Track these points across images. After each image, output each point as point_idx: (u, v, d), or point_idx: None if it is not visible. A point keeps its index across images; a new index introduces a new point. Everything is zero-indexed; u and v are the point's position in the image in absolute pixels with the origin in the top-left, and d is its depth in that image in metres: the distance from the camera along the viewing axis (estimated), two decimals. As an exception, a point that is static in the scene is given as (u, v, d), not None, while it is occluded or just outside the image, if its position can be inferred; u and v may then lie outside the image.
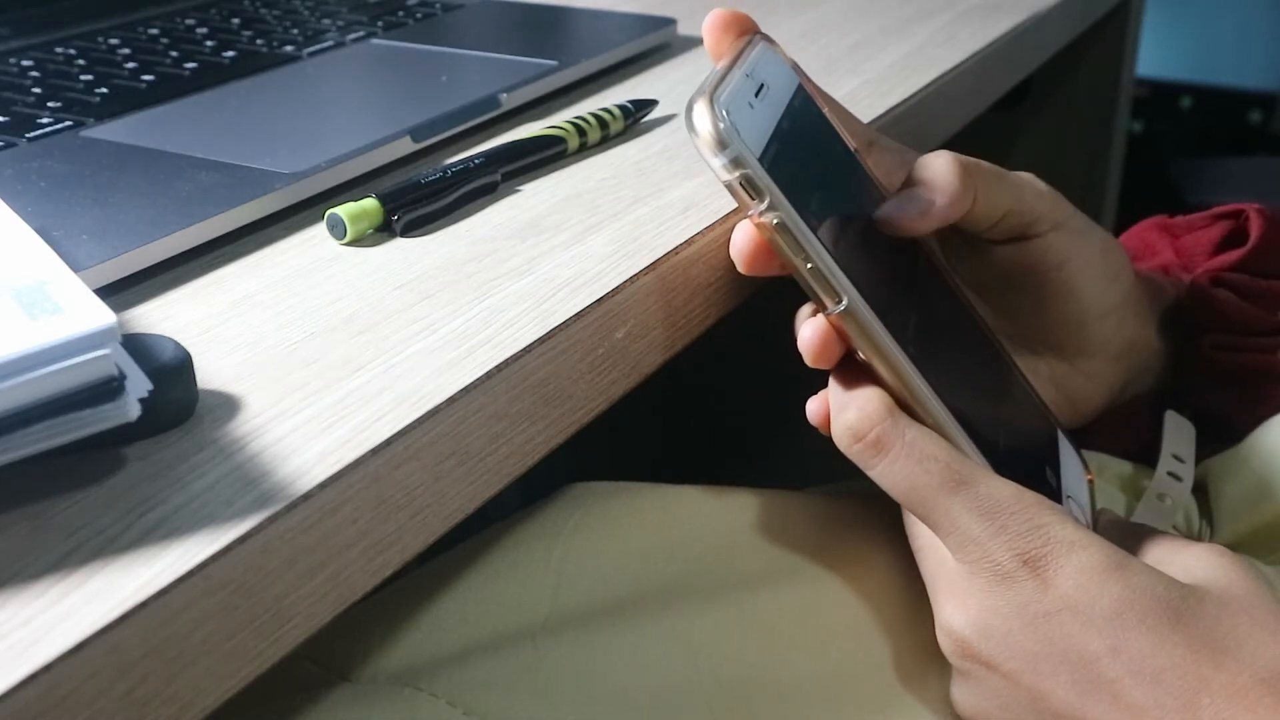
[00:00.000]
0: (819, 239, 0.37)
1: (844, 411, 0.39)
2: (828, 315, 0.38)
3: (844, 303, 0.38)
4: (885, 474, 0.39)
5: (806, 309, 0.42)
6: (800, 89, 0.42)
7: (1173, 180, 1.61)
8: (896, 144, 0.49)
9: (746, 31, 0.43)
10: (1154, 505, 0.51)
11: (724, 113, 0.35)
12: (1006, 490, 0.38)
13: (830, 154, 0.43)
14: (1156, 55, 1.83)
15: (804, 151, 0.40)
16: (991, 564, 0.37)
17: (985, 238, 0.47)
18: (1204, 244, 0.57)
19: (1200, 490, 0.53)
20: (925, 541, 0.41)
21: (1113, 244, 0.51)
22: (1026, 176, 0.46)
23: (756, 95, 0.38)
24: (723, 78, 0.37)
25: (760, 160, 0.36)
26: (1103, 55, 1.06)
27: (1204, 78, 1.89)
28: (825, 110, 0.44)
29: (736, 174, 0.36)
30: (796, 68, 0.44)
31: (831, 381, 0.41)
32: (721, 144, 0.36)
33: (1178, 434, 0.53)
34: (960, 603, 0.38)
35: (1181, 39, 1.89)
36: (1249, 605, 0.37)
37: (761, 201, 0.36)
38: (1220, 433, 0.53)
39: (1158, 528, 0.43)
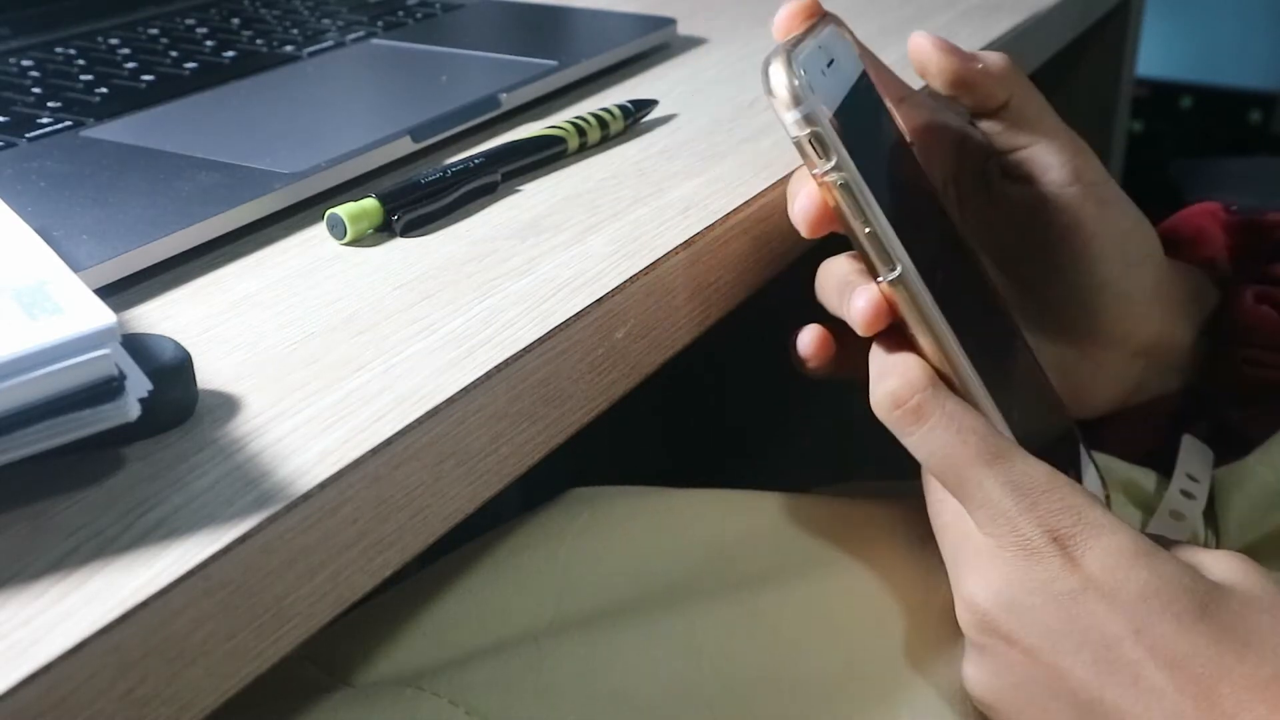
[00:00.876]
0: (880, 206, 0.37)
1: (886, 378, 0.39)
2: (880, 283, 0.39)
3: (898, 270, 0.38)
4: (921, 442, 0.39)
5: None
6: (864, 74, 0.43)
7: (1173, 180, 1.61)
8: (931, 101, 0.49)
9: (815, 14, 0.43)
10: (1167, 521, 0.50)
11: (801, 70, 0.36)
12: (1041, 469, 0.38)
13: (887, 137, 0.43)
14: (1156, 55, 1.83)
15: (865, 128, 0.41)
16: (1020, 538, 0.37)
17: (997, 147, 0.47)
18: (1260, 250, 0.56)
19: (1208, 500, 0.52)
20: (948, 519, 0.40)
21: (1143, 228, 0.50)
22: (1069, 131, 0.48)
23: (828, 66, 0.39)
24: (798, 43, 0.38)
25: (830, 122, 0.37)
26: (1103, 55, 1.06)
27: (1204, 78, 1.89)
28: (885, 100, 0.45)
29: (807, 130, 0.37)
30: (865, 51, 0.45)
31: (874, 349, 0.41)
32: (796, 99, 0.36)
33: (1193, 456, 0.52)
34: (984, 576, 0.38)
35: (1181, 39, 1.89)
36: (1270, 606, 0.37)
37: (829, 160, 0.37)
38: (1233, 448, 0.52)
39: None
